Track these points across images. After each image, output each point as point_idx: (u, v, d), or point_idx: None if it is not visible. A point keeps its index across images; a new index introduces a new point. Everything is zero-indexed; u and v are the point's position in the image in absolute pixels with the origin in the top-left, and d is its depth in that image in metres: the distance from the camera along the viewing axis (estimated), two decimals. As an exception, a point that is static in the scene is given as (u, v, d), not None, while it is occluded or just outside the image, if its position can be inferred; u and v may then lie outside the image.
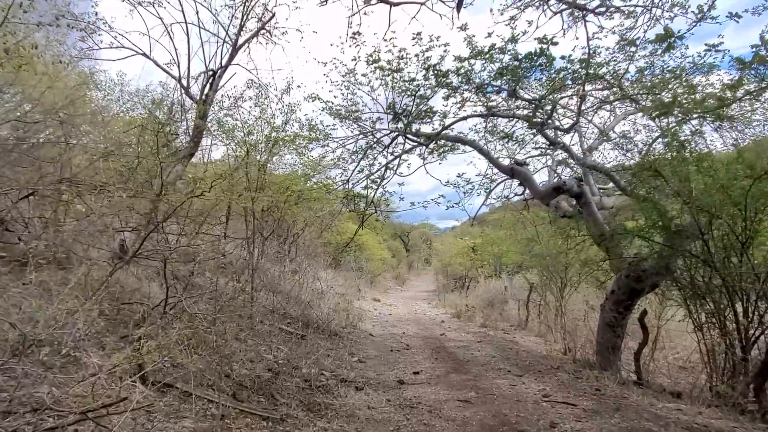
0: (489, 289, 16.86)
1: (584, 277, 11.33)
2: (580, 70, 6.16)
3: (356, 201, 9.43)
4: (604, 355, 7.59)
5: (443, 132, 8.35)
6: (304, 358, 6.20)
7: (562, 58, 5.89)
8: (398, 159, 9.52)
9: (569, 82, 6.60)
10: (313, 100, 8.31)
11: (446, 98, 7.31)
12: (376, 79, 8.16)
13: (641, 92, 6.50)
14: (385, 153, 9.66)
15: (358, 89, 8.73)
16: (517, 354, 7.84)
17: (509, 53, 6.57)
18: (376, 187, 9.59)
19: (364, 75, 8.23)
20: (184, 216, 6.34)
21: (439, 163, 9.53)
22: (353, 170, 9.80)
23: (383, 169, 9.55)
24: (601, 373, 6.71)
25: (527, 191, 10.37)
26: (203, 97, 8.17)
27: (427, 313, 15.94)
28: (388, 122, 9.08)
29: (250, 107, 7.83)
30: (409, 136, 8.53)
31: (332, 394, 5.16)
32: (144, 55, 8.37)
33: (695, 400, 5.33)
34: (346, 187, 9.65)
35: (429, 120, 7.76)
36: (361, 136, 9.59)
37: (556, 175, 10.78)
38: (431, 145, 9.88)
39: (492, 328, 11.34)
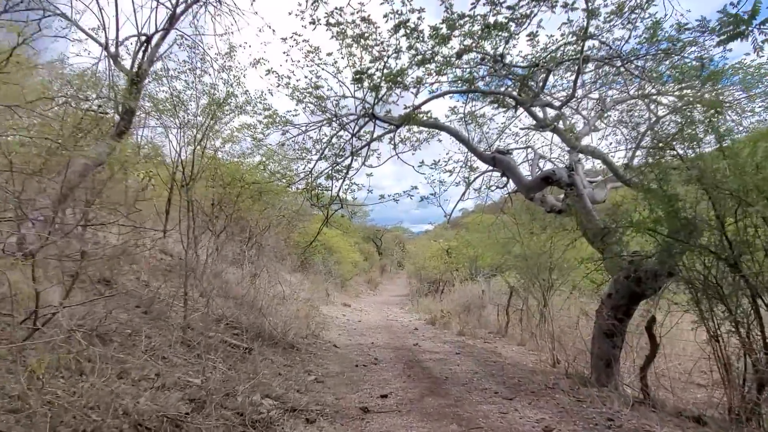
0: (465, 293, 15.80)
1: (572, 278, 10.36)
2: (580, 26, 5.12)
3: (319, 194, 8.20)
4: (600, 369, 6.55)
5: (417, 113, 7.21)
6: (245, 381, 4.93)
7: (565, 5, 4.81)
8: (367, 147, 8.36)
9: (570, 39, 5.55)
10: (267, 73, 7.05)
11: (420, 64, 6.15)
12: (342, 57, 6.98)
13: (655, 55, 5.51)
14: (351, 141, 8.48)
15: (323, 69, 7.54)
16: (503, 369, 6.72)
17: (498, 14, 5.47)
18: (341, 178, 8.40)
19: (329, 54, 7.06)
20: (92, 202, 5.02)
21: (413, 154, 8.35)
22: (316, 160, 8.58)
23: (350, 158, 8.36)
24: (601, 391, 5.64)
25: (510, 184, 9.35)
26: (135, 66, 6.83)
27: (400, 320, 14.77)
28: (356, 107, 7.91)
29: (184, 72, 6.51)
30: (378, 118, 7.36)
31: (273, 431, 3.92)
32: (64, 16, 6.99)
33: (725, 429, 4.29)
34: (309, 179, 8.41)
35: (399, 85, 6.57)
36: (325, 122, 8.39)
37: (538, 169, 9.80)
38: (404, 133, 8.76)
39: (470, 336, 10.23)
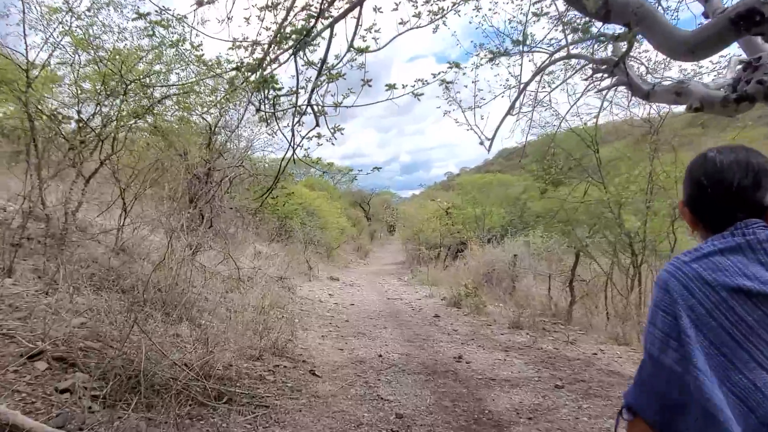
0: (484, 260, 11.85)
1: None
2: None
3: (270, 80, 3.99)
4: None
5: None
6: None
7: None
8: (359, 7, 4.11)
9: None
10: None
11: None
12: None
13: None
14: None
15: None
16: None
17: None
18: (317, 64, 4.17)
19: None
20: None
21: (434, 30, 3.98)
22: (268, 43, 4.30)
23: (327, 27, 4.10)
24: None
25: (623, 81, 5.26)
26: None
27: (405, 298, 10.81)
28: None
29: None
30: None
31: None
32: None
33: None
34: (247, 57, 4.18)
35: None
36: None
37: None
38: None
39: (531, 329, 6.26)
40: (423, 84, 4.23)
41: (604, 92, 6.26)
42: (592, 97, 6.73)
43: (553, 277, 8.46)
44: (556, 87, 5.99)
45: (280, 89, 3.68)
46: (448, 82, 4.17)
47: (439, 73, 4.09)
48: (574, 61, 6.35)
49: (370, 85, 4.31)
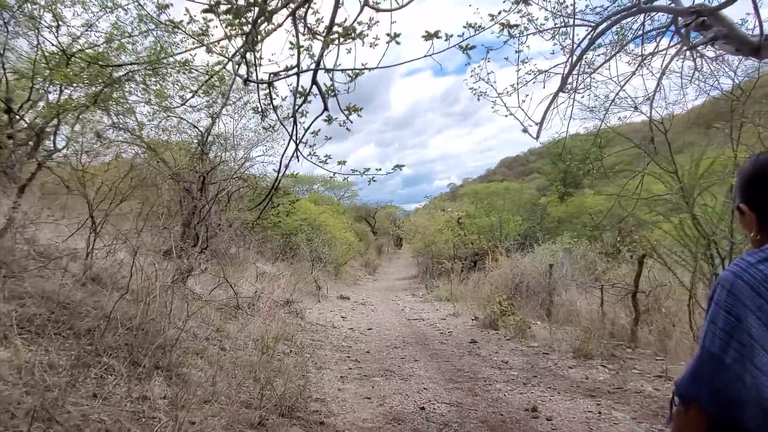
0: (513, 271, 10.55)
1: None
2: None
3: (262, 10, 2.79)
4: None
5: None
6: None
7: None
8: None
9: None
10: None
11: None
12: None
13: None
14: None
15: None
16: None
17: None
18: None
19: None
20: None
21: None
22: None
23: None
24: None
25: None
26: None
27: (427, 318, 9.52)
28: None
29: None
30: None
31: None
32: None
33: None
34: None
35: None
36: None
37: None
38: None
39: (603, 357, 4.96)
40: (475, 31, 3.07)
41: (668, 58, 5.05)
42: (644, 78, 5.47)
43: (603, 290, 7.14)
44: (621, 49, 4.76)
45: (271, 11, 2.46)
46: (511, 26, 3.00)
47: (499, 13, 2.91)
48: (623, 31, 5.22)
49: (398, 42, 3.14)
